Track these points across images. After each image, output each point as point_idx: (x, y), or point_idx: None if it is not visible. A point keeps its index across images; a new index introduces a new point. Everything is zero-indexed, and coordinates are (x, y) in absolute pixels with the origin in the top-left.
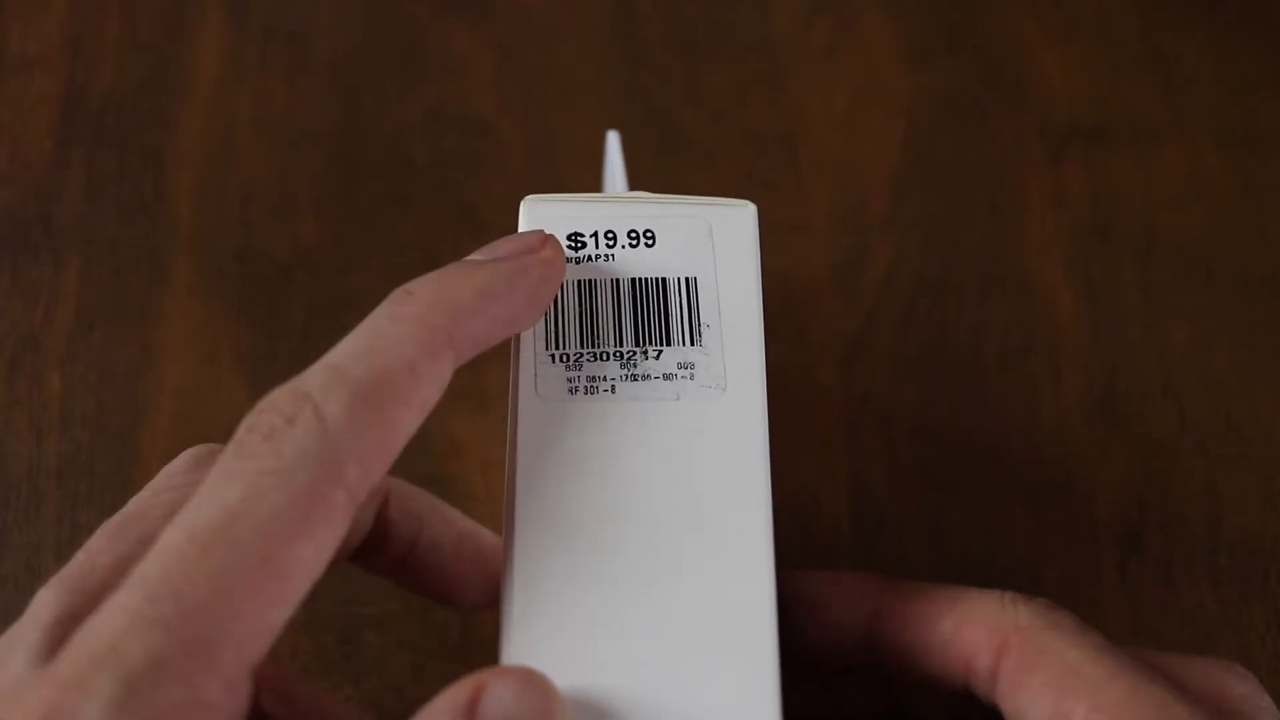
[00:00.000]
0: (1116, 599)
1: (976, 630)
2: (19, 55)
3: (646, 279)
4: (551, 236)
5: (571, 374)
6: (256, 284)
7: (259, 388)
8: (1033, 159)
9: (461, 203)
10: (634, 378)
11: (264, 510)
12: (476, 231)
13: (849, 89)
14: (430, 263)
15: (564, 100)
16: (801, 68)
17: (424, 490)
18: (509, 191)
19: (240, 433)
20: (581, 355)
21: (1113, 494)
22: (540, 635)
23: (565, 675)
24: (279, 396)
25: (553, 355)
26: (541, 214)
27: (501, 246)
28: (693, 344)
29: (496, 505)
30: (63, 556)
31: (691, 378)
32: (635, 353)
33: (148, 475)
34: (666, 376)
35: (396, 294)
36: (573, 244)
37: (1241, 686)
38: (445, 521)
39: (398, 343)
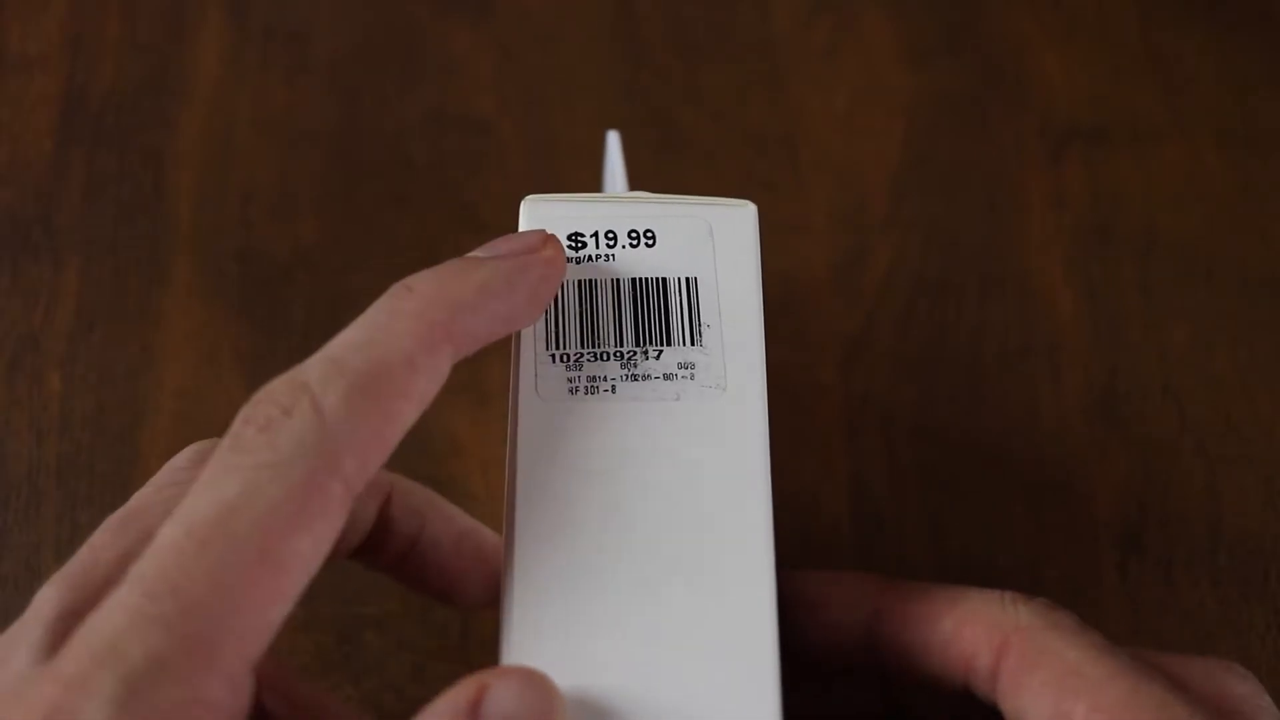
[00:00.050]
0: (1116, 599)
1: (977, 630)
2: (19, 55)
3: (647, 279)
4: (553, 236)
5: (572, 374)
6: (256, 284)
7: (259, 388)
8: (1033, 159)
9: (461, 203)
10: (634, 378)
11: (261, 504)
12: (476, 231)
13: (849, 89)
14: (430, 263)
15: (564, 100)
16: (801, 68)
17: (425, 487)
18: (509, 191)
19: (237, 425)
20: (582, 355)
21: (1113, 494)
22: (541, 635)
23: (566, 675)
24: (276, 387)
25: (553, 355)
26: (541, 214)
27: (503, 244)
28: (693, 344)
29: (496, 505)
30: (63, 556)
31: (692, 378)
32: (635, 353)
33: (148, 475)
34: (667, 376)
35: (396, 288)
36: (573, 244)
37: (1241, 686)
38: (446, 519)
39: (396, 336)
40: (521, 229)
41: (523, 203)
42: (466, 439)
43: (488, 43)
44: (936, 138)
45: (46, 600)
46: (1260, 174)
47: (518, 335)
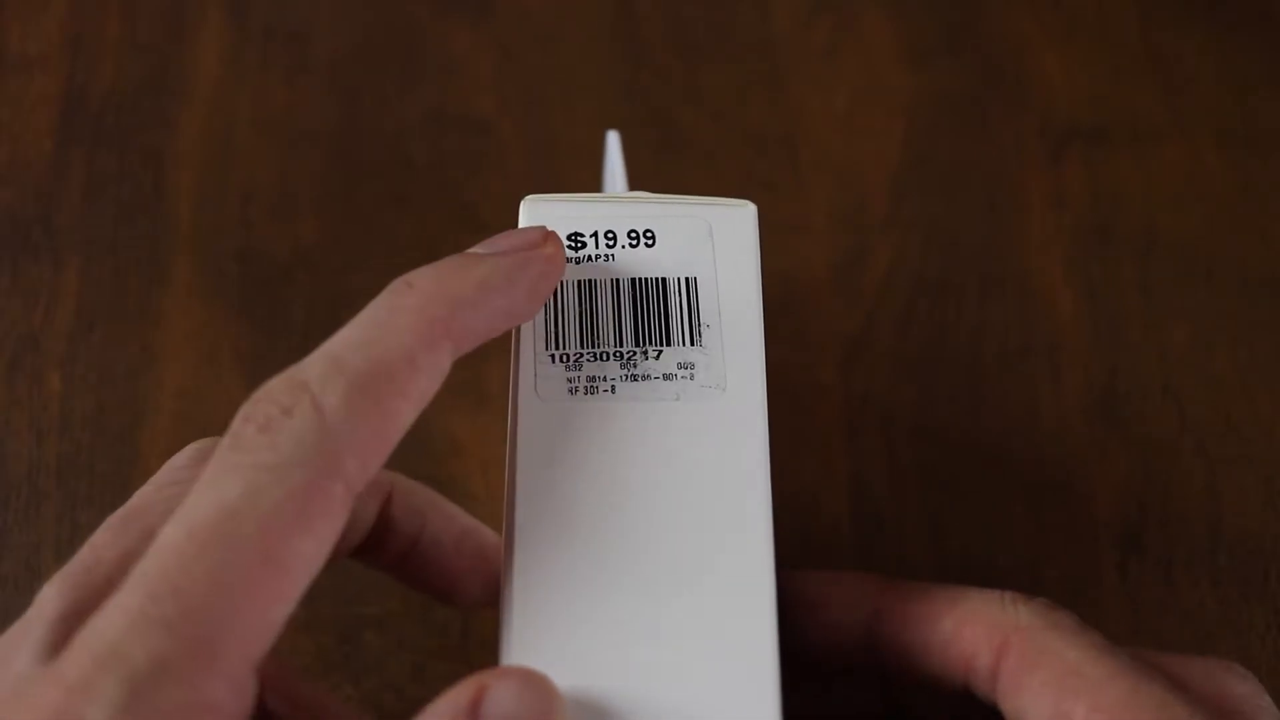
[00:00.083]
0: (1116, 599)
1: (977, 630)
2: (19, 55)
3: (646, 279)
4: (553, 233)
5: (571, 374)
6: (256, 284)
7: (258, 387)
8: (1033, 159)
9: (461, 203)
10: (634, 378)
11: (262, 505)
12: (476, 231)
13: (849, 89)
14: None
15: (564, 100)
16: (801, 68)
17: (426, 486)
18: (509, 191)
19: (237, 424)
20: (581, 355)
21: (1113, 494)
22: (540, 636)
23: (565, 675)
24: (276, 386)
25: (553, 355)
26: (541, 214)
27: (502, 240)
28: (693, 344)
29: (496, 505)
30: (63, 556)
31: (691, 378)
32: (635, 353)
33: (148, 475)
34: (666, 376)
35: (396, 284)
36: (573, 244)
37: (1241, 686)
38: (447, 518)
39: (396, 333)
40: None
41: (522, 203)
42: (466, 439)
43: (488, 43)
44: (936, 138)
45: (48, 600)
46: (1260, 174)
47: (517, 335)
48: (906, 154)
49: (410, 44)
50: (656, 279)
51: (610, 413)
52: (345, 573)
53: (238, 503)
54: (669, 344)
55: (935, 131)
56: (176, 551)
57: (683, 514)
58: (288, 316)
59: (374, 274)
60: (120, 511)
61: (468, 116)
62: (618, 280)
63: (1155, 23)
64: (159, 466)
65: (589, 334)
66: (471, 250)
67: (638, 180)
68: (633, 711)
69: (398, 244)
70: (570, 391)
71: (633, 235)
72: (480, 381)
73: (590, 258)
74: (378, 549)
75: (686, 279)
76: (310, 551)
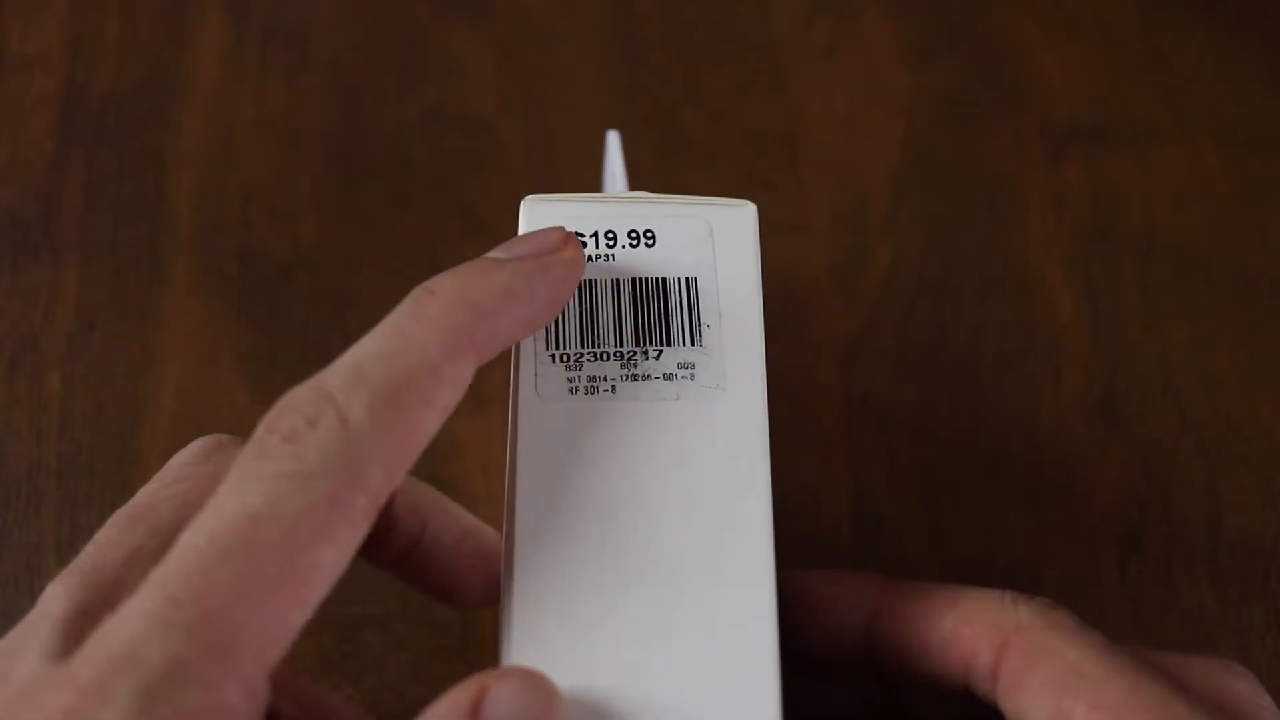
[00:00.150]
0: (1116, 599)
1: (977, 629)
2: (19, 55)
3: (646, 279)
4: (571, 235)
5: (572, 374)
6: (256, 284)
7: (259, 388)
8: (1033, 159)
9: (461, 203)
10: (634, 378)
11: (286, 515)
12: (476, 231)
13: (849, 89)
14: (430, 262)
15: (564, 100)
16: (801, 68)
17: (428, 485)
18: (509, 191)
19: (261, 432)
20: (582, 355)
21: (1113, 494)
22: (541, 636)
23: (566, 675)
24: (300, 396)
25: (553, 355)
26: (541, 214)
27: (522, 245)
28: (693, 344)
29: (496, 505)
30: (63, 556)
31: (692, 378)
32: (635, 353)
33: (148, 475)
34: (667, 376)
35: (418, 293)
36: None
37: (1241, 685)
38: (449, 518)
39: (420, 344)
40: (521, 229)
41: (523, 203)
42: (466, 440)
43: (488, 43)
44: (936, 138)
45: (55, 598)
46: (1260, 174)
47: None
48: (906, 154)
49: (410, 44)
50: (656, 279)
51: (610, 413)
52: (345, 573)
53: (261, 510)
54: (669, 344)
55: (935, 131)
56: (198, 556)
57: (683, 514)
58: (288, 316)
59: (374, 274)
60: (126, 509)
61: (468, 116)
62: (618, 280)
63: (1155, 23)
64: (159, 466)
65: (589, 334)
66: (491, 255)
67: (638, 180)
68: (633, 711)
69: (398, 244)
70: (570, 391)
71: (633, 235)
72: (480, 382)
73: (590, 258)
74: (379, 547)
75: (687, 279)
76: (330, 561)
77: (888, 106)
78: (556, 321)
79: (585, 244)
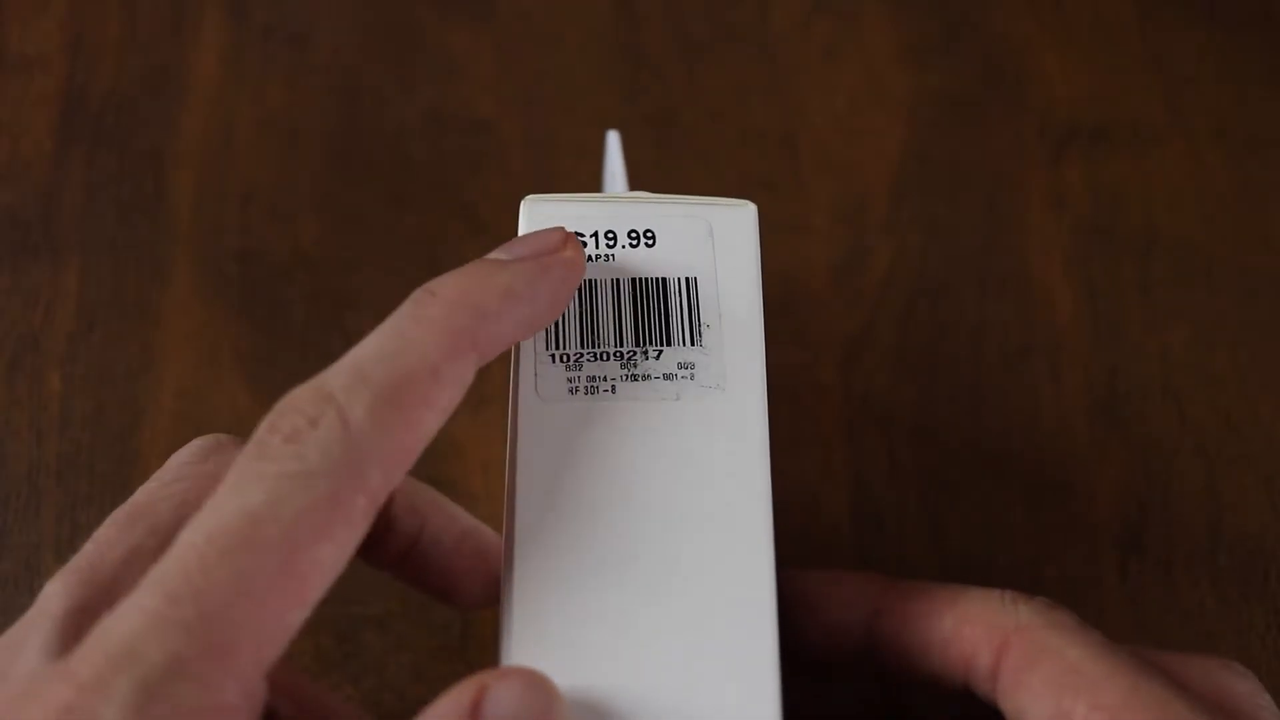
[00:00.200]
0: (1116, 599)
1: (977, 629)
2: (19, 55)
3: (646, 279)
4: (572, 235)
5: (572, 374)
6: (256, 284)
7: (259, 388)
8: (1033, 159)
9: (461, 203)
10: (634, 378)
11: (286, 514)
12: (476, 232)
13: (849, 89)
14: (430, 262)
15: (564, 100)
16: (801, 68)
17: (427, 485)
18: (509, 191)
19: (262, 432)
20: (582, 355)
21: (1113, 494)
22: (541, 636)
23: (566, 675)
24: (301, 396)
25: (553, 355)
26: (541, 214)
27: (523, 245)
28: (693, 344)
29: (496, 505)
30: (63, 557)
31: (692, 378)
32: (635, 353)
33: (148, 475)
34: (667, 376)
35: (419, 294)
36: None
37: (1241, 684)
38: (448, 518)
39: (421, 345)
40: (521, 229)
41: (523, 203)
42: (466, 439)
43: (488, 43)
44: (936, 138)
45: (54, 595)
46: (1260, 174)
47: None
48: (906, 154)
49: (410, 44)
50: (656, 279)
51: (610, 412)
52: (345, 573)
53: (261, 510)
54: (669, 344)
55: (935, 131)
56: (198, 555)
57: (683, 514)
58: (288, 316)
59: (374, 274)
60: (125, 507)
61: (468, 116)
62: (618, 280)
63: (1155, 23)
64: (159, 466)
65: (589, 334)
66: (492, 256)
67: (638, 180)
68: (633, 711)
69: (398, 244)
70: (570, 391)
71: (633, 235)
72: (480, 382)
73: (590, 258)
74: (378, 547)
75: (687, 279)
76: (330, 560)
77: (888, 106)
78: (557, 321)
79: (585, 244)
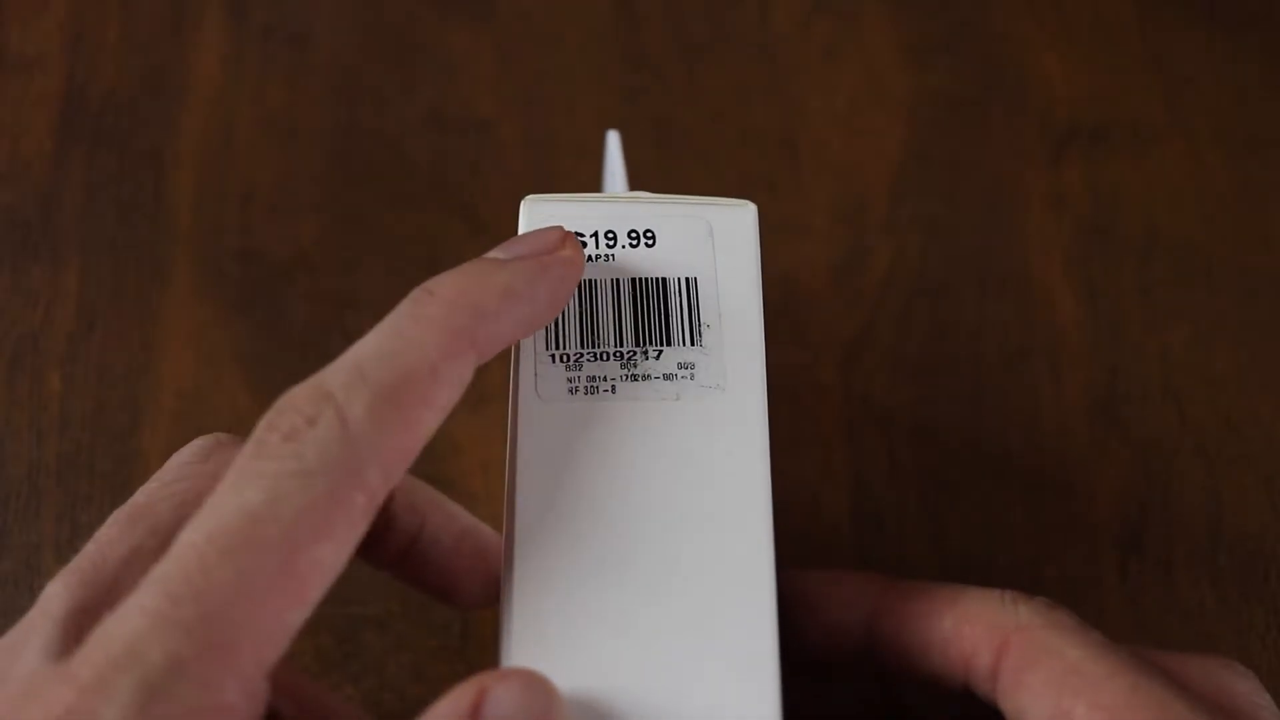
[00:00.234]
0: (1116, 599)
1: (977, 629)
2: (19, 55)
3: (646, 279)
4: (571, 234)
5: (572, 374)
6: (256, 284)
7: (259, 388)
8: (1033, 159)
9: (461, 203)
10: (634, 378)
11: (285, 513)
12: (476, 232)
13: (849, 89)
14: (430, 262)
15: (564, 100)
16: (801, 68)
17: (427, 485)
18: (509, 191)
19: (260, 431)
20: (582, 355)
21: (1113, 494)
22: (540, 636)
23: (566, 676)
24: (300, 395)
25: (553, 355)
26: (541, 214)
27: (521, 244)
28: (693, 344)
29: (496, 505)
30: (63, 556)
31: (691, 378)
32: (635, 353)
33: (148, 475)
34: (667, 376)
35: (418, 293)
36: None
37: (1241, 684)
38: (447, 517)
39: (420, 344)
40: (521, 229)
41: (523, 203)
42: (466, 439)
43: (488, 43)
44: (936, 138)
45: (56, 596)
46: (1260, 174)
47: None
48: (906, 154)
49: (410, 44)
50: (656, 279)
51: (610, 412)
52: (345, 573)
53: (261, 509)
54: (669, 344)
55: (935, 131)
56: (198, 555)
57: (683, 514)
58: (288, 316)
59: (374, 274)
60: (126, 508)
61: (468, 116)
62: (618, 280)
63: (1155, 23)
64: (159, 466)
65: (589, 334)
66: (491, 255)
67: (638, 180)
68: (633, 711)
69: (398, 244)
70: (570, 391)
71: (633, 235)
72: (480, 382)
73: (590, 258)
74: (378, 546)
75: (686, 279)
76: (330, 559)
77: (888, 106)
78: (556, 321)
79: (585, 244)
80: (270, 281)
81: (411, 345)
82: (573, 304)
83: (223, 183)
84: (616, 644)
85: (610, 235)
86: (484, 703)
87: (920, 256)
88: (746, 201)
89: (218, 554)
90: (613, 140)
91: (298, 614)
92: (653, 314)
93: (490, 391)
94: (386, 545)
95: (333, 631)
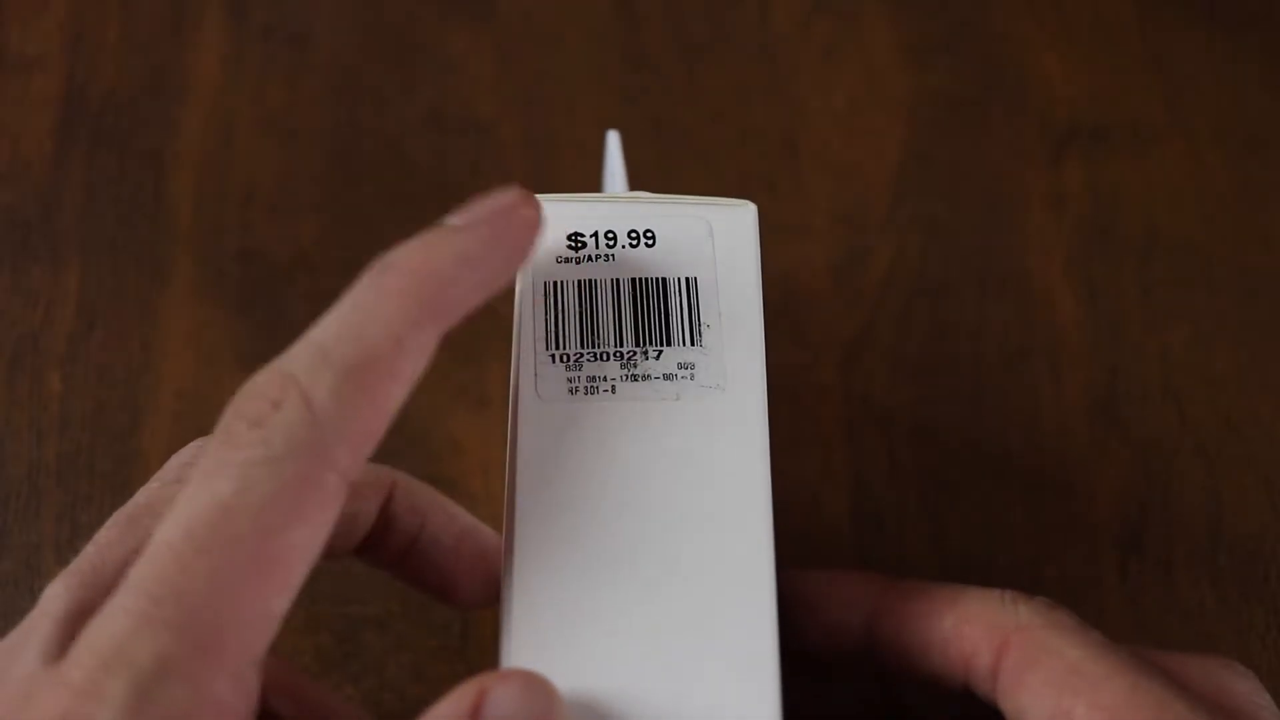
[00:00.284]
0: (1116, 599)
1: (977, 629)
2: (19, 55)
3: (646, 279)
4: (530, 194)
5: (572, 374)
6: (256, 284)
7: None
8: (1033, 159)
9: (461, 203)
10: (634, 378)
11: (256, 501)
12: None
13: (849, 89)
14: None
15: (564, 100)
16: (801, 68)
17: (427, 485)
18: None
19: (227, 419)
20: (581, 355)
21: (1113, 494)
22: (541, 636)
23: (566, 676)
24: (263, 380)
25: (553, 355)
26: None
27: (478, 208)
28: (693, 344)
29: (496, 505)
30: (63, 556)
31: (692, 378)
32: (635, 353)
33: (148, 475)
34: (667, 376)
35: (375, 267)
36: (573, 244)
37: (1241, 684)
38: (448, 517)
39: (381, 318)
40: None
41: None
42: (466, 440)
43: (488, 43)
44: (936, 138)
45: (55, 597)
46: (1260, 174)
47: (518, 335)
48: (906, 154)
49: (410, 44)
50: (656, 279)
51: (610, 413)
52: (345, 573)
53: (231, 499)
54: (669, 344)
55: (935, 131)
56: (174, 551)
57: (683, 514)
58: (288, 316)
59: None
60: (125, 509)
61: (468, 116)
62: (618, 280)
63: (1155, 23)
64: (159, 466)
65: (589, 334)
66: (447, 221)
67: (638, 180)
68: (633, 712)
69: (398, 244)
70: (570, 391)
71: (633, 235)
72: (480, 382)
73: (590, 258)
74: (378, 547)
75: (686, 279)
76: (306, 542)
77: (888, 106)
78: (556, 321)
79: (585, 244)
80: (270, 281)
81: (372, 319)
82: (573, 304)
83: (223, 183)
84: (616, 644)
85: (610, 235)
86: (484, 703)
87: (920, 256)
88: (746, 201)
89: (193, 550)
90: (613, 140)
91: (280, 601)
92: (653, 314)
93: (490, 392)
94: (386, 546)
95: (333, 631)
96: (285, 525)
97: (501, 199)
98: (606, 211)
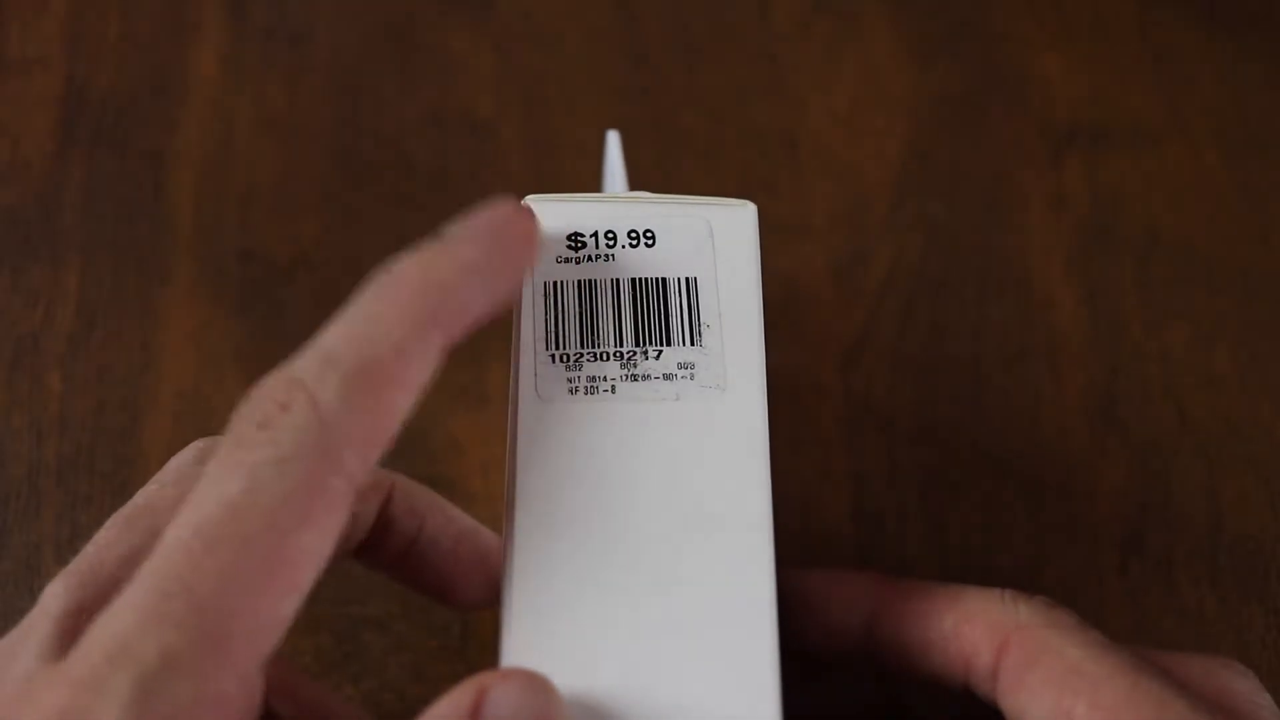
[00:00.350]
0: (1117, 599)
1: (977, 628)
2: (19, 55)
3: (646, 279)
4: (526, 206)
5: (571, 374)
6: (256, 284)
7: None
8: (1033, 159)
9: (461, 203)
10: (634, 378)
11: (266, 502)
12: None
13: (849, 89)
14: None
15: (564, 100)
16: (801, 68)
17: (426, 487)
18: (509, 191)
19: (236, 422)
20: (581, 355)
21: (1113, 494)
22: (541, 636)
23: (566, 676)
24: (271, 384)
25: (553, 355)
26: (542, 214)
27: (478, 220)
28: (693, 344)
29: (496, 505)
30: (63, 556)
31: (691, 378)
32: (635, 353)
33: (148, 475)
34: (666, 376)
35: (379, 276)
36: (573, 244)
37: (1241, 684)
38: (446, 519)
39: (386, 325)
40: None
41: (523, 203)
42: (466, 439)
43: (488, 43)
44: (936, 138)
45: (54, 596)
46: (1260, 174)
47: (517, 335)
48: (907, 154)
49: (410, 44)
50: (656, 279)
51: (610, 413)
52: (345, 573)
53: (241, 499)
54: (669, 344)
55: (935, 131)
56: (184, 549)
57: (683, 514)
58: (288, 316)
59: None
60: (125, 510)
61: (468, 116)
62: (618, 280)
63: (1155, 23)
64: (160, 466)
65: (589, 334)
66: (449, 232)
67: (638, 180)
68: (633, 712)
69: (398, 244)
70: (570, 391)
71: (633, 235)
72: (480, 382)
73: (590, 258)
74: (378, 548)
75: (686, 279)
76: (315, 545)
77: (888, 106)
78: (556, 321)
79: (585, 244)
80: (270, 281)
81: (377, 327)
82: (573, 304)
83: (223, 183)
84: (616, 643)
85: (610, 235)
86: (484, 703)
87: (920, 256)
88: (746, 201)
89: (203, 547)
90: (613, 140)
91: (288, 602)
92: (653, 314)
93: (490, 391)
94: (385, 547)
95: (333, 631)
96: (294, 526)
97: (500, 211)
98: (606, 211)
